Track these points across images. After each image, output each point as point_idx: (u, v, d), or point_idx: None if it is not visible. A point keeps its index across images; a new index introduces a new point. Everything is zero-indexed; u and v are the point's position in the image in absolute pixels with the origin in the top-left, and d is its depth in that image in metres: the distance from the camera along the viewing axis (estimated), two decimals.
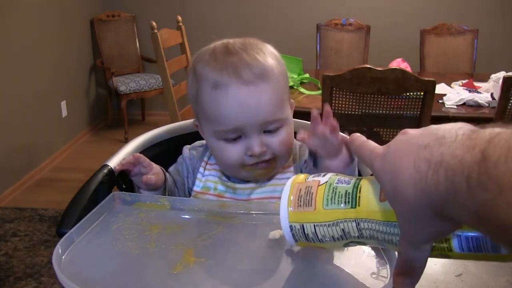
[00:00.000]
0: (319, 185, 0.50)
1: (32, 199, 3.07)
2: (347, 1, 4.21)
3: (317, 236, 0.50)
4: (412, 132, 0.41)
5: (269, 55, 0.77)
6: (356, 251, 0.63)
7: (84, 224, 0.66)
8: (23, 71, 3.25)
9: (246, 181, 0.83)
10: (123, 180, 0.81)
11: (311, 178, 0.53)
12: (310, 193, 0.50)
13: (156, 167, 0.81)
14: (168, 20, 3.28)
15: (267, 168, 0.78)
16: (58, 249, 0.59)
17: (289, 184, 0.53)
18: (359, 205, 0.47)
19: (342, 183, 0.49)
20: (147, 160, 0.80)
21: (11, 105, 3.10)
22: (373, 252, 0.62)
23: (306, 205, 0.50)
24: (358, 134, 0.49)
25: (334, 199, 0.48)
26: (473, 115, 2.24)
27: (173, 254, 0.61)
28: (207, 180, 0.85)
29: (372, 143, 0.46)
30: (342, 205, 0.48)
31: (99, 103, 4.49)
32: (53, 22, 3.66)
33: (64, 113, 3.83)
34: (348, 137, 0.54)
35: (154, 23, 2.53)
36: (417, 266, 0.43)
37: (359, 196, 0.47)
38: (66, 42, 3.86)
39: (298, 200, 0.51)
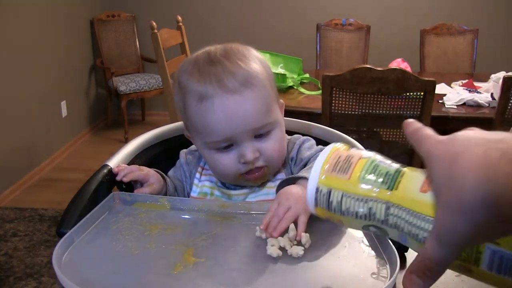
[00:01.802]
0: (360, 158, 0.48)
1: (32, 199, 3.07)
2: (347, 1, 4.21)
3: (341, 207, 0.47)
4: (480, 130, 0.39)
5: (252, 60, 0.77)
6: (356, 251, 0.63)
7: (84, 224, 0.66)
8: (23, 71, 3.25)
9: (241, 186, 0.83)
10: None
11: (353, 149, 0.50)
12: (349, 162, 0.48)
13: (152, 177, 0.80)
14: (168, 20, 3.28)
15: (260, 175, 0.79)
16: (58, 249, 0.59)
17: (329, 148, 0.51)
18: (396, 189, 0.44)
19: (385, 164, 0.47)
20: (141, 175, 0.79)
21: (11, 105, 3.10)
22: (373, 252, 0.62)
23: (342, 172, 0.47)
24: (413, 120, 0.45)
25: (373, 175, 0.46)
26: (473, 115, 2.23)
27: (173, 254, 0.61)
28: (204, 186, 0.86)
29: (429, 130, 0.43)
30: (379, 183, 0.45)
31: (99, 103, 4.49)
32: (53, 22, 3.66)
33: (64, 113, 3.83)
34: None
35: (154, 23, 2.53)
36: (436, 269, 0.40)
37: (399, 181, 0.45)
38: (66, 42, 3.86)
39: (335, 165, 0.48)
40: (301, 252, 0.61)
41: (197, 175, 0.87)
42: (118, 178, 0.77)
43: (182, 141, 0.95)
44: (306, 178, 0.70)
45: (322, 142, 0.95)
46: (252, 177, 0.79)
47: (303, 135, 0.95)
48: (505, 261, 0.38)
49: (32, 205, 0.82)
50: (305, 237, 0.62)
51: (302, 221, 0.63)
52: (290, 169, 0.85)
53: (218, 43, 0.81)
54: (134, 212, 0.73)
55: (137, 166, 0.81)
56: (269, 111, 0.77)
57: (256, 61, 0.78)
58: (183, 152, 0.91)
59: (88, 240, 0.64)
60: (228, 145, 0.76)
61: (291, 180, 0.73)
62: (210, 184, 0.85)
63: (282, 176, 0.83)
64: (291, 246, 0.62)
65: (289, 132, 0.92)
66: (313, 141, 0.87)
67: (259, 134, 0.76)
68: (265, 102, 0.75)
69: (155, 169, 0.85)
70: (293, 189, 0.68)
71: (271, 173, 0.82)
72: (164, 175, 0.86)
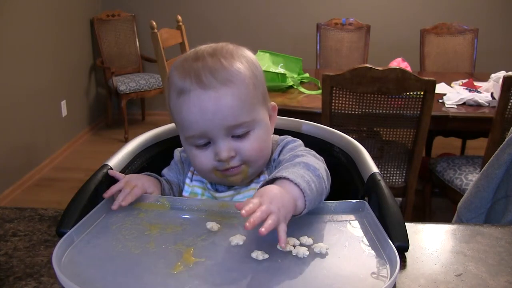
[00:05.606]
0: None
1: (32, 199, 3.07)
2: (347, 1, 4.21)
3: None
4: None
5: (237, 59, 0.76)
6: (356, 251, 0.63)
7: (84, 224, 0.66)
8: (23, 70, 3.25)
9: (228, 188, 0.83)
10: None
11: None
12: None
13: (149, 187, 0.79)
14: (168, 20, 3.28)
15: (238, 174, 0.77)
16: (58, 249, 0.59)
17: None
18: None
19: None
20: (138, 191, 0.76)
21: (11, 104, 3.10)
22: (373, 252, 0.62)
23: None
24: None
25: None
26: (473, 114, 2.23)
27: (173, 254, 0.61)
28: (195, 186, 0.86)
29: None
30: None
31: (99, 103, 4.49)
32: (53, 22, 3.65)
33: (64, 112, 3.83)
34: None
35: (154, 23, 2.53)
36: None
37: None
38: (66, 42, 3.86)
39: None
40: (307, 253, 0.61)
41: (189, 174, 0.87)
42: (113, 207, 0.73)
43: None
44: (284, 178, 0.68)
45: (313, 138, 0.95)
46: (230, 173, 0.77)
47: (294, 132, 0.95)
48: None
49: (32, 205, 0.82)
50: (323, 247, 0.63)
51: (283, 229, 0.61)
52: (272, 171, 0.82)
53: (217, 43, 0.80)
54: (134, 212, 0.73)
55: (131, 177, 0.79)
56: (248, 110, 0.75)
57: (242, 60, 0.77)
58: (177, 151, 0.92)
59: (88, 240, 0.64)
60: (206, 142, 0.76)
61: (271, 181, 0.70)
62: (201, 185, 0.86)
63: (265, 177, 0.82)
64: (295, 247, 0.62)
65: (280, 131, 0.91)
66: (298, 142, 0.84)
67: (237, 135, 0.75)
68: (242, 100, 0.74)
69: (148, 173, 0.84)
70: (274, 189, 0.65)
71: (253, 173, 0.80)
72: (159, 177, 0.86)
